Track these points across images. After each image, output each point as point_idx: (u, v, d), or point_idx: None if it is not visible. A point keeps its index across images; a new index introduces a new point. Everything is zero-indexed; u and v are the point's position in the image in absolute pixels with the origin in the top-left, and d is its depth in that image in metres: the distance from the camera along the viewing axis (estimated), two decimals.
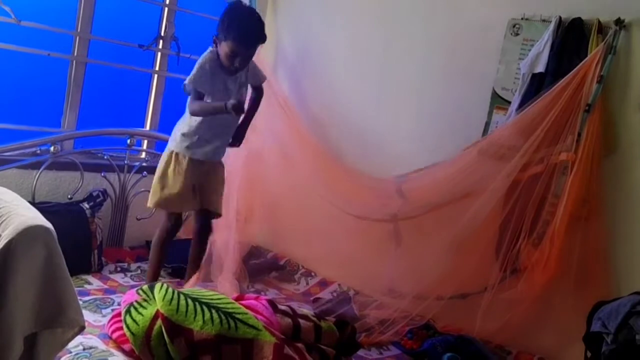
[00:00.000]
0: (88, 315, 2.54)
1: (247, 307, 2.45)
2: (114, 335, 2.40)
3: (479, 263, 2.93)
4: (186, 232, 3.52)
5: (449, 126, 3.23)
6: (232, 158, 3.45)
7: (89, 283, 3.07)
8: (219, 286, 3.14)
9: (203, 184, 3.08)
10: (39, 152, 3.25)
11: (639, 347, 2.09)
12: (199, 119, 2.95)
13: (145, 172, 3.60)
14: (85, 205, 3.28)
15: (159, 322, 2.29)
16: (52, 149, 3.26)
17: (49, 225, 1.79)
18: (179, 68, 3.74)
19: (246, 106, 3.07)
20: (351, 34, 3.70)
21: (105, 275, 3.22)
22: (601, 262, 2.69)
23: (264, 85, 3.38)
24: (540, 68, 2.81)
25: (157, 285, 2.49)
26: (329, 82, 3.76)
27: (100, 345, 2.36)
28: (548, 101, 2.71)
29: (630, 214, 2.66)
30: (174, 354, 2.24)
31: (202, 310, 2.32)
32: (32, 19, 3.15)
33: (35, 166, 3.21)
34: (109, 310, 2.74)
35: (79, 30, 3.38)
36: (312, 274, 3.63)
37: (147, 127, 3.80)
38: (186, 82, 2.92)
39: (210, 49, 2.98)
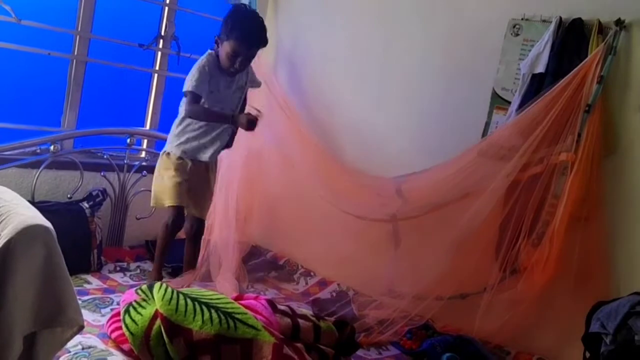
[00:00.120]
0: (87, 315, 2.54)
1: (246, 307, 2.45)
2: (113, 335, 2.40)
3: (478, 263, 2.93)
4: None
5: (449, 126, 3.23)
6: (231, 158, 3.45)
7: (88, 282, 3.07)
8: (218, 286, 3.15)
9: (194, 187, 3.12)
10: (38, 151, 3.25)
11: (638, 348, 2.09)
12: (189, 120, 3.01)
13: (145, 172, 3.60)
14: (85, 205, 3.28)
15: (158, 321, 2.29)
16: (51, 148, 3.26)
17: (48, 224, 1.79)
18: (179, 67, 3.74)
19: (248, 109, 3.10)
20: (351, 34, 3.70)
21: (104, 275, 3.22)
22: (601, 262, 2.68)
23: (263, 85, 3.40)
24: (540, 68, 2.81)
25: (156, 285, 2.49)
26: (329, 82, 3.76)
27: (100, 344, 2.36)
28: (548, 101, 2.71)
29: (630, 215, 2.66)
30: (173, 354, 2.24)
31: (202, 310, 2.32)
32: (33, 18, 3.15)
33: (35, 165, 3.21)
34: (108, 309, 2.74)
35: (79, 29, 3.38)
36: (312, 273, 3.63)
37: (147, 127, 3.80)
38: (188, 89, 2.94)
39: (208, 51, 3.03)
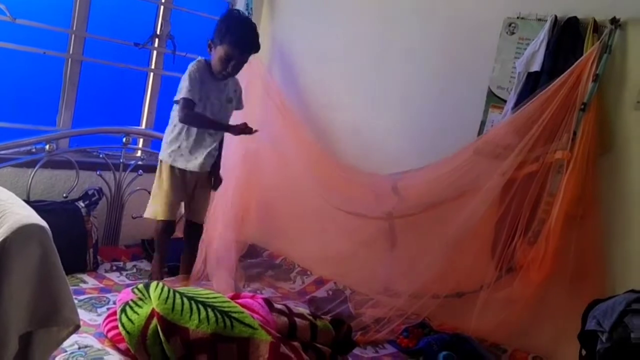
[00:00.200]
0: (83, 314, 2.54)
1: (243, 305, 2.44)
2: (110, 334, 2.40)
3: (474, 262, 2.93)
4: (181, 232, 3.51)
5: (445, 125, 3.24)
6: (228, 158, 3.45)
7: (85, 282, 3.06)
8: (215, 285, 3.15)
9: (189, 193, 3.14)
10: (34, 150, 3.24)
11: (633, 345, 2.09)
12: (180, 128, 3.02)
13: (140, 171, 3.60)
14: (81, 204, 3.27)
15: (154, 321, 2.29)
16: (47, 147, 3.26)
17: (44, 223, 1.78)
18: (174, 66, 3.73)
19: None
20: (347, 33, 3.70)
21: (100, 274, 3.22)
22: (596, 260, 2.69)
23: (259, 85, 3.40)
24: (535, 67, 2.82)
25: (153, 284, 2.49)
26: (325, 82, 3.76)
27: (96, 344, 2.36)
28: (544, 100, 2.71)
29: (625, 213, 2.67)
30: (170, 353, 2.23)
31: (198, 309, 2.32)
32: (28, 17, 3.14)
33: (31, 164, 3.21)
34: (104, 309, 2.74)
35: (74, 28, 3.37)
36: (308, 272, 3.62)
37: (143, 126, 3.80)
38: (181, 95, 2.94)
39: (197, 58, 3.05)
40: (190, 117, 2.96)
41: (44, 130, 3.33)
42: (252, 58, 3.48)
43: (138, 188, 3.58)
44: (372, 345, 2.88)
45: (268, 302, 2.57)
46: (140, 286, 2.54)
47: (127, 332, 2.30)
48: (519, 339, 2.86)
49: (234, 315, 2.33)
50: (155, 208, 3.13)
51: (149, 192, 3.24)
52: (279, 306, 2.60)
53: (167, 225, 3.17)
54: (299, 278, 3.61)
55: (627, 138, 2.67)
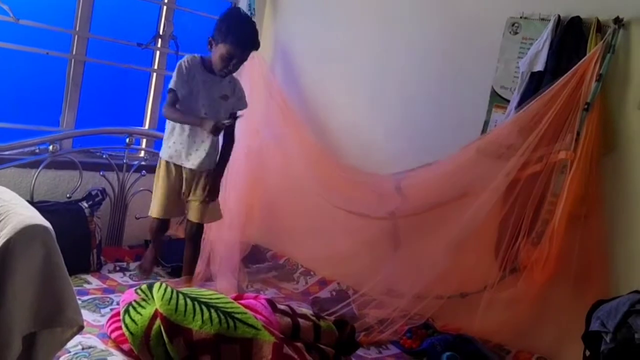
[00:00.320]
0: (87, 315, 2.53)
1: (246, 306, 2.44)
2: (113, 335, 2.40)
3: (478, 262, 2.93)
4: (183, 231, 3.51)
5: (448, 125, 3.23)
6: (231, 158, 3.45)
7: (88, 282, 3.07)
8: (218, 285, 3.15)
9: (187, 192, 3.11)
10: (37, 151, 3.25)
11: (637, 346, 2.09)
12: (175, 124, 3.02)
13: (144, 171, 3.60)
14: (84, 204, 3.28)
15: (157, 321, 2.29)
16: (50, 148, 3.26)
17: (47, 224, 1.78)
18: None
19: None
20: (349, 33, 3.70)
21: (104, 275, 3.22)
22: (600, 260, 2.69)
23: (261, 85, 3.39)
24: (539, 67, 2.81)
25: (156, 285, 2.49)
26: (327, 82, 3.76)
27: (99, 344, 2.36)
28: (547, 100, 2.71)
29: (629, 213, 2.67)
30: (173, 354, 2.24)
31: (201, 309, 2.32)
32: (31, 18, 3.15)
33: (34, 165, 3.21)
34: (107, 309, 2.74)
35: (77, 29, 3.37)
36: (311, 273, 3.62)
37: (146, 126, 3.80)
38: (170, 86, 2.95)
39: (192, 54, 3.04)
40: (168, 111, 2.96)
41: (47, 131, 3.33)
42: (255, 57, 3.50)
43: (141, 188, 3.59)
44: (375, 346, 2.88)
45: (271, 302, 2.57)
46: (144, 287, 2.55)
47: (131, 333, 2.30)
48: (522, 340, 2.86)
49: (237, 316, 2.33)
50: (151, 205, 3.14)
51: (152, 192, 3.24)
52: (282, 307, 2.60)
53: (160, 224, 3.16)
54: (302, 278, 3.61)
55: (630, 138, 2.67)
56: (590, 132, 2.66)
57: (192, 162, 3.03)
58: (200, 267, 3.30)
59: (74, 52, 3.39)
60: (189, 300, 2.37)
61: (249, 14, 3.85)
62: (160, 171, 3.09)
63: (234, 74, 3.08)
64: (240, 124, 3.17)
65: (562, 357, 2.73)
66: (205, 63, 3.01)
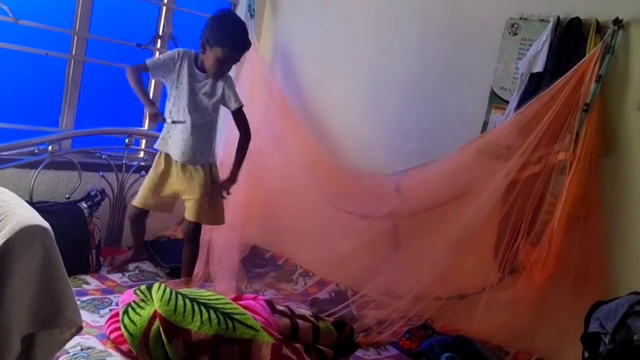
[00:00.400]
0: (86, 316, 2.53)
1: (245, 307, 2.44)
2: (112, 336, 2.40)
3: (477, 263, 2.93)
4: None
5: (447, 126, 3.24)
6: (231, 160, 3.45)
7: (87, 283, 3.06)
8: (217, 286, 3.14)
9: (179, 189, 3.12)
10: (36, 151, 3.24)
11: (636, 347, 2.09)
12: (172, 115, 3.05)
13: (143, 172, 3.59)
14: (83, 205, 3.27)
15: (156, 322, 2.29)
16: (50, 148, 3.25)
17: (46, 225, 1.78)
18: None
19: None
20: (348, 34, 3.70)
21: (103, 275, 3.21)
22: (599, 262, 2.69)
23: (261, 85, 3.38)
24: (538, 68, 2.81)
25: (155, 286, 2.49)
26: (326, 82, 3.76)
27: (98, 345, 2.36)
28: (546, 101, 2.71)
29: (628, 214, 2.67)
30: (172, 355, 2.23)
31: (200, 310, 2.32)
32: (30, 18, 3.14)
33: (33, 165, 3.21)
34: (106, 310, 2.74)
35: (77, 29, 3.37)
36: (310, 274, 3.62)
37: (146, 127, 3.79)
38: (148, 61, 3.04)
39: (191, 50, 3.07)
40: (130, 74, 3.01)
41: (46, 131, 3.33)
42: (255, 58, 3.52)
43: None
44: (374, 347, 2.88)
45: (270, 303, 2.57)
46: (143, 287, 2.54)
47: (130, 334, 2.30)
48: (521, 341, 2.86)
49: (236, 317, 2.33)
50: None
51: None
52: (281, 308, 2.60)
53: (138, 213, 3.19)
54: (301, 279, 3.61)
55: (630, 139, 2.67)
56: (590, 133, 2.66)
57: (174, 151, 3.05)
58: (199, 267, 3.29)
59: (73, 53, 3.39)
60: (187, 301, 2.36)
61: (249, 14, 3.88)
62: (154, 162, 3.14)
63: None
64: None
65: (561, 358, 2.74)
66: (198, 61, 3.04)
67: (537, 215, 2.75)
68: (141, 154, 3.74)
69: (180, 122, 3.00)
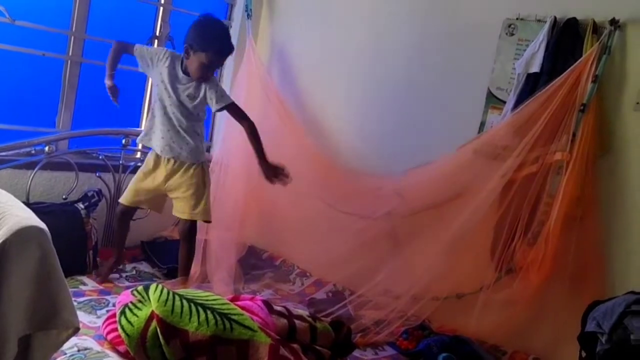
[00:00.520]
0: (83, 317, 2.53)
1: (242, 308, 2.44)
2: (109, 337, 2.40)
3: (474, 263, 2.94)
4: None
5: (444, 126, 3.24)
6: (228, 158, 3.45)
7: (84, 284, 3.06)
8: (214, 287, 3.14)
9: (166, 186, 3.14)
10: (33, 152, 3.24)
11: (633, 347, 2.09)
12: (155, 112, 3.11)
13: None
14: (80, 206, 3.27)
15: (154, 323, 2.29)
16: (46, 149, 3.25)
17: (43, 225, 1.78)
18: None
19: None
20: (346, 34, 3.70)
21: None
22: (596, 261, 2.69)
23: (257, 85, 3.38)
24: (535, 68, 2.81)
25: (152, 286, 2.49)
26: (323, 82, 3.77)
27: (95, 346, 2.36)
28: (543, 101, 2.72)
29: (625, 214, 2.67)
30: (169, 356, 2.23)
31: (197, 311, 2.32)
32: (27, 19, 3.14)
33: (30, 166, 3.20)
34: (104, 311, 2.73)
35: (73, 30, 3.37)
36: (308, 274, 3.62)
37: (142, 127, 3.79)
38: (138, 45, 3.14)
39: (179, 54, 3.11)
40: (114, 44, 3.13)
41: (43, 132, 3.33)
42: (252, 59, 3.53)
43: None
44: (371, 347, 2.88)
45: (267, 304, 2.57)
46: (140, 288, 2.54)
47: (127, 335, 2.29)
48: (518, 341, 2.86)
49: (233, 317, 2.33)
50: None
51: None
52: (278, 308, 2.60)
53: (124, 210, 3.23)
54: (298, 280, 3.60)
55: (626, 139, 2.67)
56: (586, 133, 2.66)
57: (155, 143, 3.12)
58: (196, 268, 3.29)
59: (70, 53, 3.39)
60: (185, 302, 2.36)
61: (246, 15, 3.88)
62: (145, 160, 3.20)
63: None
64: (237, 125, 3.17)
65: (558, 358, 2.74)
66: (183, 64, 3.07)
67: (534, 215, 2.75)
68: (138, 155, 3.74)
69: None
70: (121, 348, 2.33)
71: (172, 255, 3.34)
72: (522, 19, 2.94)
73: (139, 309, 2.39)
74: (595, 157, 2.70)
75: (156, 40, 3.73)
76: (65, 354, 2.21)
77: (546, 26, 2.81)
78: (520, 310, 2.78)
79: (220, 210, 3.47)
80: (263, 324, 2.37)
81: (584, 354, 2.34)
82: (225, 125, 3.78)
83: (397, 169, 3.24)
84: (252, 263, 3.70)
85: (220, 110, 3.12)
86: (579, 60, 2.68)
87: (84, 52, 3.43)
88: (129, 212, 3.25)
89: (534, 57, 2.83)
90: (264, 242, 3.88)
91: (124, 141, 3.55)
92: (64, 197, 3.33)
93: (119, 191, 3.55)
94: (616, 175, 2.69)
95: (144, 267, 3.46)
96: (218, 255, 3.37)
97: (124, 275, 3.30)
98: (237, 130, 3.25)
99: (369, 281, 3.11)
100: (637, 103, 2.63)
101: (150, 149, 3.19)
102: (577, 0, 2.79)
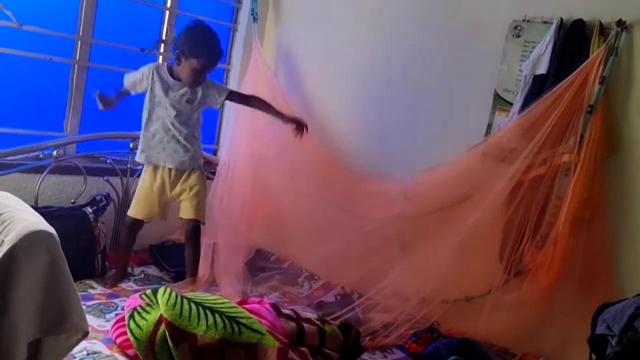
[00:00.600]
0: (92, 320, 2.54)
1: (250, 311, 2.44)
2: (118, 340, 2.40)
3: (483, 265, 2.93)
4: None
5: (451, 128, 3.23)
6: (236, 161, 3.46)
7: (93, 288, 3.07)
8: (222, 290, 3.14)
9: (175, 194, 3.20)
10: (41, 156, 3.25)
11: None
12: (150, 127, 3.16)
13: None
14: (89, 210, 3.28)
15: (162, 326, 2.29)
16: (54, 153, 3.27)
17: (51, 230, 1.78)
18: None
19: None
20: (351, 36, 3.70)
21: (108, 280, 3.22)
22: (605, 263, 2.68)
23: (264, 87, 3.39)
24: (542, 70, 2.81)
25: (161, 290, 2.49)
26: (329, 84, 3.77)
27: (105, 350, 2.36)
28: (550, 103, 2.71)
29: (633, 215, 2.66)
30: (178, 359, 2.24)
31: (206, 314, 2.32)
32: (34, 24, 3.15)
33: (38, 170, 3.22)
34: (112, 315, 2.74)
35: (80, 34, 3.38)
36: (316, 277, 3.62)
37: None
38: (127, 76, 3.19)
39: (156, 63, 3.20)
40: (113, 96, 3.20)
41: (51, 136, 3.34)
42: (259, 62, 3.53)
43: None
44: (380, 350, 2.87)
45: (275, 307, 2.57)
46: (148, 292, 2.55)
47: (136, 338, 2.30)
48: (528, 343, 2.85)
49: (241, 320, 2.33)
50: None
51: None
52: (286, 311, 2.60)
53: (132, 223, 3.26)
54: (306, 283, 3.60)
55: (634, 140, 2.66)
56: (594, 134, 2.66)
57: (163, 160, 3.17)
58: (204, 271, 3.30)
59: (77, 58, 3.40)
60: (193, 305, 2.37)
61: (252, 18, 3.89)
62: (142, 174, 3.26)
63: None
64: (244, 127, 3.19)
65: None
66: (173, 70, 3.12)
67: (542, 218, 2.74)
68: None
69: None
70: (130, 352, 2.34)
71: (179, 258, 3.34)
72: (528, 21, 2.94)
73: (147, 312, 2.39)
74: (603, 159, 2.69)
75: (162, 44, 3.73)
76: (75, 357, 2.21)
77: (552, 28, 2.80)
78: (529, 313, 2.77)
79: (227, 213, 3.48)
80: (271, 327, 2.36)
81: (594, 357, 2.33)
82: (232, 127, 3.78)
83: (405, 171, 3.23)
84: (260, 266, 3.70)
85: (225, 100, 3.22)
86: (586, 62, 2.67)
87: (91, 56, 3.44)
88: (134, 225, 3.27)
89: (541, 59, 2.82)
90: (271, 244, 3.88)
91: (131, 145, 3.55)
92: (72, 201, 3.34)
93: (126, 195, 3.56)
94: (624, 176, 2.69)
95: (152, 270, 3.46)
96: (226, 258, 3.37)
97: (132, 278, 3.30)
98: (244, 131, 3.26)
99: (377, 284, 3.10)
100: None
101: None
102: (583, 2, 2.78)
